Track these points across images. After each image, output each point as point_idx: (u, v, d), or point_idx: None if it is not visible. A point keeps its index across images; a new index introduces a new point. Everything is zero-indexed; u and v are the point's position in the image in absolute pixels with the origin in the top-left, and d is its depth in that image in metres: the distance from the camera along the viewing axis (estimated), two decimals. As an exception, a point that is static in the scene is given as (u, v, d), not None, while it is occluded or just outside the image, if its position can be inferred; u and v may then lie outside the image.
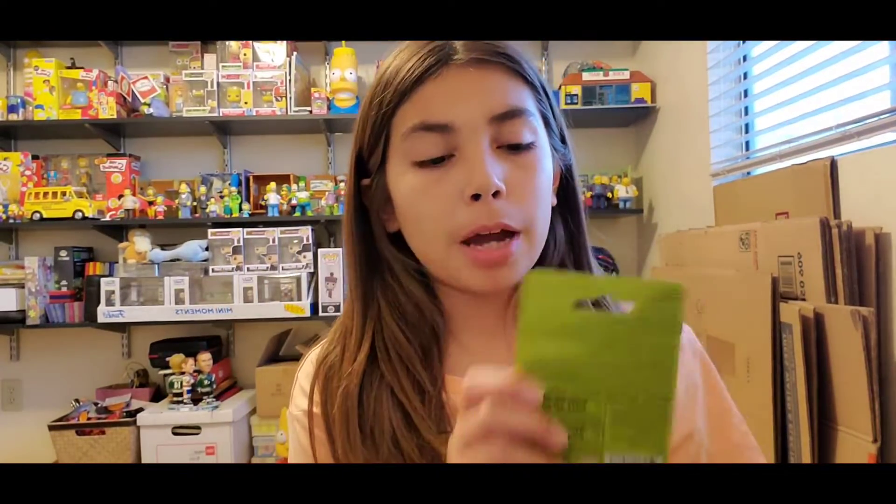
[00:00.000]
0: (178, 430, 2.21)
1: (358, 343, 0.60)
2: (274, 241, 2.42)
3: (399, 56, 0.56)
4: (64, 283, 2.45)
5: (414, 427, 0.55)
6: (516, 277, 0.55)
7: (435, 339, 0.59)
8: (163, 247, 2.46)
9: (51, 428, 2.23)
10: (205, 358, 2.30)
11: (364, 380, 0.58)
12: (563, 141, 0.62)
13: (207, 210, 2.42)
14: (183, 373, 2.28)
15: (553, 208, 0.60)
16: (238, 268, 2.39)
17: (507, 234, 0.53)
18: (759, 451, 0.62)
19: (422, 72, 0.54)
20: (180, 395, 2.27)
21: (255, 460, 2.36)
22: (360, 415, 0.56)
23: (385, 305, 0.60)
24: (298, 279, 2.37)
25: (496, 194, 0.52)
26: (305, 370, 0.64)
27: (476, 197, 0.52)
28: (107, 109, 2.40)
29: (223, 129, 2.59)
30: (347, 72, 2.44)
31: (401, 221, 0.59)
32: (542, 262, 0.60)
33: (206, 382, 2.29)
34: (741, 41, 1.81)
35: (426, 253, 0.57)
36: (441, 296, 0.61)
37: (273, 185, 2.45)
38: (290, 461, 0.65)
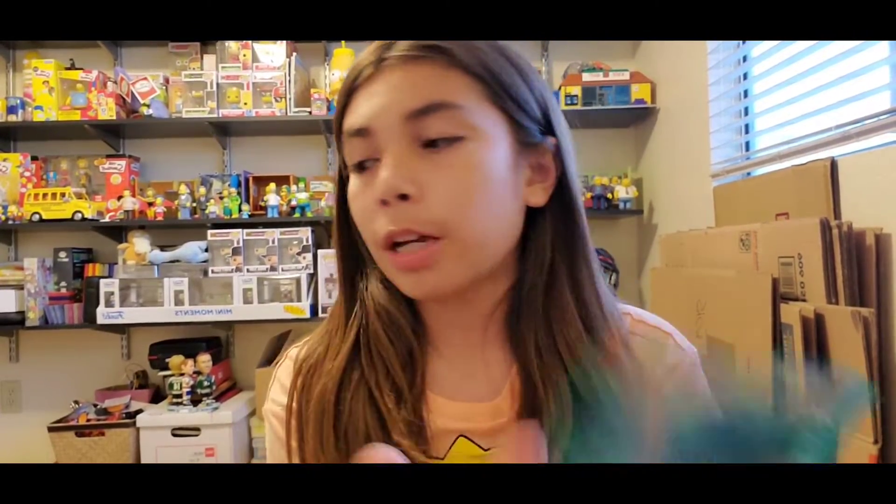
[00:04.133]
0: (178, 432, 2.21)
1: (342, 339, 0.59)
2: (274, 242, 2.42)
3: (357, 58, 0.56)
4: (63, 284, 2.45)
5: (386, 429, 0.54)
6: (447, 282, 0.52)
7: (414, 347, 0.58)
8: (162, 248, 2.46)
9: (50, 429, 2.23)
10: (204, 359, 2.30)
11: (343, 377, 0.57)
12: (550, 132, 0.56)
13: (207, 211, 2.42)
14: (182, 374, 2.28)
15: (542, 209, 0.56)
16: (238, 269, 2.39)
17: (430, 237, 0.50)
18: None
19: (355, 76, 0.53)
20: (180, 396, 2.27)
21: (254, 461, 2.35)
22: (336, 415, 0.55)
23: (371, 306, 0.58)
24: (298, 280, 2.37)
25: (406, 198, 0.50)
26: (285, 367, 0.64)
27: (385, 202, 0.50)
28: (106, 110, 2.40)
29: (223, 130, 2.59)
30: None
31: None
32: (524, 268, 0.56)
33: (205, 384, 2.29)
34: (741, 41, 1.81)
35: (373, 256, 0.56)
36: (420, 306, 0.59)
37: (273, 185, 2.45)
38: (268, 460, 0.64)
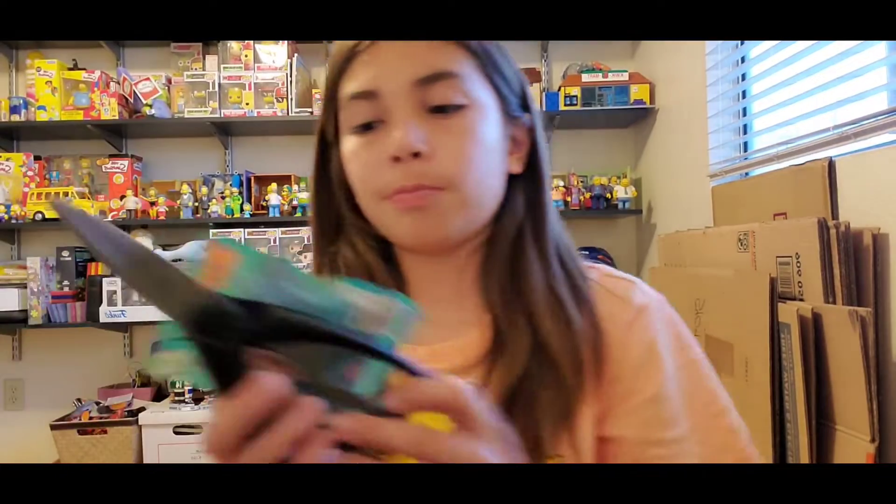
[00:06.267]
0: (180, 430, 2.21)
1: None
2: (275, 241, 2.42)
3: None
4: (66, 283, 2.46)
5: None
6: (442, 229, 0.56)
7: None
8: (164, 247, 2.47)
9: (53, 427, 2.24)
10: (206, 358, 2.31)
11: None
12: (526, 108, 0.61)
13: (209, 211, 2.43)
14: (184, 373, 2.28)
15: (517, 177, 0.60)
16: (239, 268, 2.40)
17: (436, 188, 0.55)
18: (746, 451, 0.56)
19: (355, 43, 0.56)
20: (182, 394, 2.28)
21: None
22: None
23: (343, 269, 0.61)
24: (299, 279, 2.38)
25: (417, 155, 0.53)
26: None
27: (398, 159, 0.53)
28: (109, 110, 2.41)
29: (225, 130, 2.60)
30: (348, 73, 2.45)
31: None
32: (498, 226, 0.60)
33: (207, 382, 2.29)
34: (740, 42, 1.81)
35: (365, 212, 0.59)
36: (400, 261, 0.62)
37: (274, 185, 2.46)
38: None
